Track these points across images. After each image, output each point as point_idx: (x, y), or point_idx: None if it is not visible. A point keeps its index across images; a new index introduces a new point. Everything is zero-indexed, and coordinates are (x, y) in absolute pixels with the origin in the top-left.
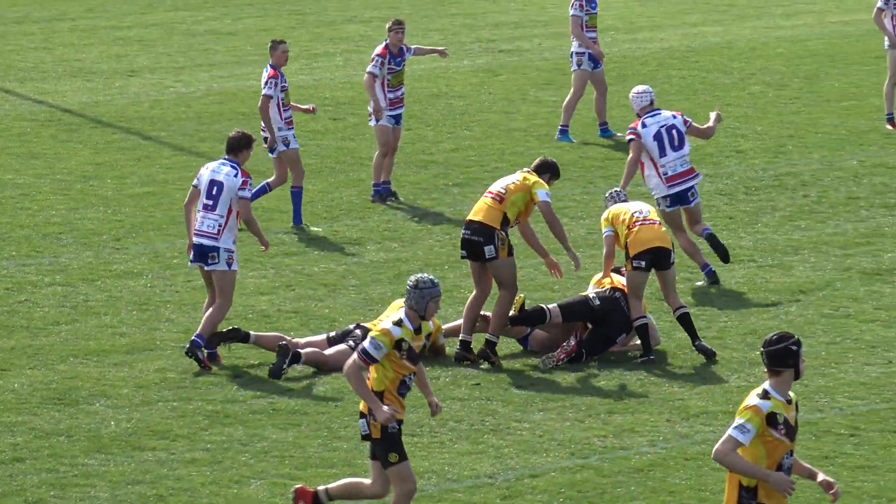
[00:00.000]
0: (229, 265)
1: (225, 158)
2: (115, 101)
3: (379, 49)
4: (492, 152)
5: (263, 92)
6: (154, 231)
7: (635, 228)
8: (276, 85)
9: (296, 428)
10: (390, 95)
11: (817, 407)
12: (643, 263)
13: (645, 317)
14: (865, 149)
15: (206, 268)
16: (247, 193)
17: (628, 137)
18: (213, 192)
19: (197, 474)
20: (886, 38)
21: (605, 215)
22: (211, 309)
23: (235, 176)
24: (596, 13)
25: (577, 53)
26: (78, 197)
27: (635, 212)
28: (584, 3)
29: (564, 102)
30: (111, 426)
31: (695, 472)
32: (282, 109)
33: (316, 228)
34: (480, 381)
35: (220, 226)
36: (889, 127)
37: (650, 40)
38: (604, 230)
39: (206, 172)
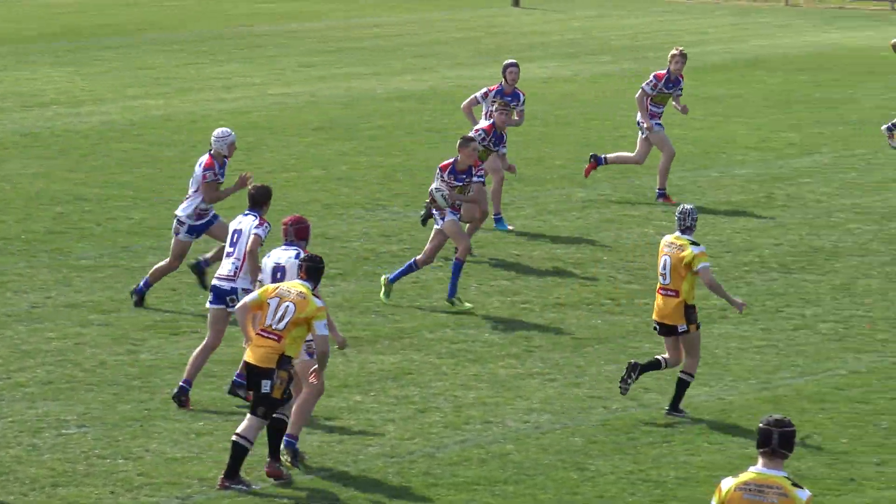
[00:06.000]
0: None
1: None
2: None
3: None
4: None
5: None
6: None
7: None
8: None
9: None
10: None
11: (261, 476)
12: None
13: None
14: None
15: (228, 309)
16: (260, 231)
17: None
18: (234, 240)
19: None
20: (642, 120)
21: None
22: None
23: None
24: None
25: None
26: None
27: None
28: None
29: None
30: None
31: None
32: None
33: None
34: None
35: (236, 268)
36: (661, 200)
37: (92, 114)
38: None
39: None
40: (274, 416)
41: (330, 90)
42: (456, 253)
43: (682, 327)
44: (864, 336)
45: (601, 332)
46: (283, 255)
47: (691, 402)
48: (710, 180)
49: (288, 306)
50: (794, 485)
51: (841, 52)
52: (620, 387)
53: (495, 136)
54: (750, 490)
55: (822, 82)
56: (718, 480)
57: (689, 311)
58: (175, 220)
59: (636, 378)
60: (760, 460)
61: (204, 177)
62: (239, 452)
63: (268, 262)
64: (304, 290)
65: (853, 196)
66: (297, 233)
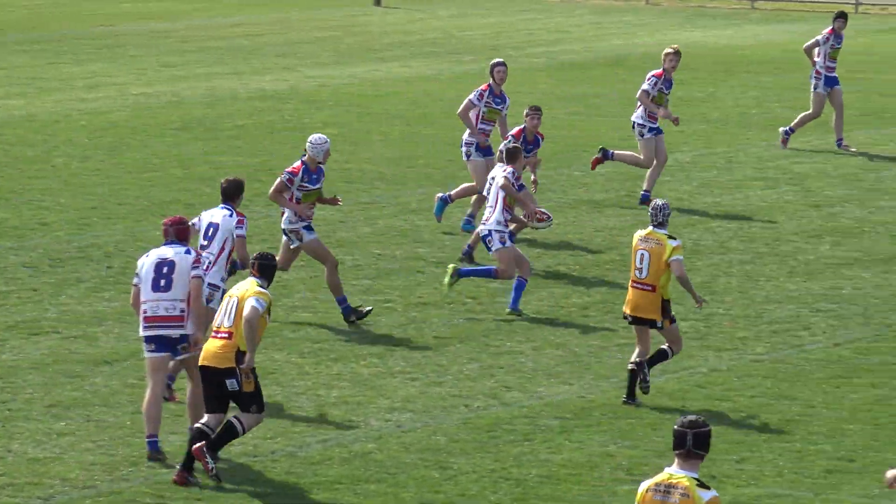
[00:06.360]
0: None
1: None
2: None
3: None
4: None
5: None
6: None
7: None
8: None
9: None
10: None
11: (123, 476)
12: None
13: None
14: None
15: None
16: (242, 231)
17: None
18: (209, 233)
19: None
20: (643, 120)
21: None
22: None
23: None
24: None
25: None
26: None
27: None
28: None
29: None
30: None
31: None
32: None
33: None
34: None
35: (209, 262)
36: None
37: None
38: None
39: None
40: (198, 426)
41: (191, 90)
42: (519, 272)
43: (658, 324)
44: (725, 334)
45: (463, 331)
46: (168, 251)
47: (553, 400)
48: (571, 179)
49: (234, 301)
50: (701, 485)
51: (702, 50)
52: (642, 387)
53: (524, 141)
54: (660, 491)
55: (682, 81)
56: (579, 479)
57: (665, 306)
58: (283, 232)
59: (646, 380)
60: (676, 461)
61: (282, 173)
62: (229, 430)
63: (147, 261)
64: (252, 283)
65: (713, 195)
66: (178, 233)
